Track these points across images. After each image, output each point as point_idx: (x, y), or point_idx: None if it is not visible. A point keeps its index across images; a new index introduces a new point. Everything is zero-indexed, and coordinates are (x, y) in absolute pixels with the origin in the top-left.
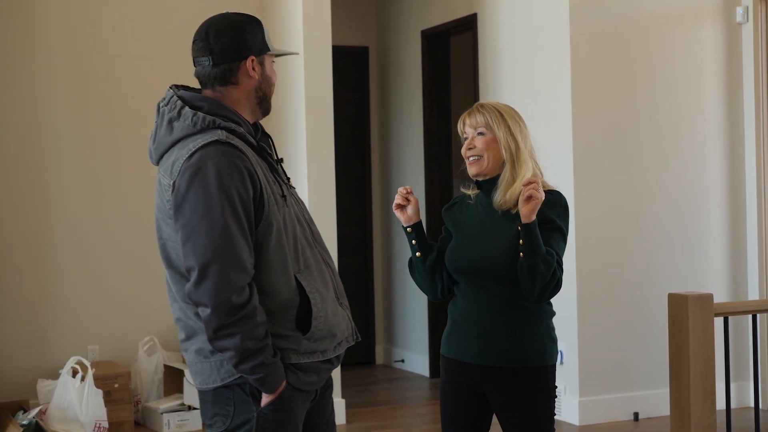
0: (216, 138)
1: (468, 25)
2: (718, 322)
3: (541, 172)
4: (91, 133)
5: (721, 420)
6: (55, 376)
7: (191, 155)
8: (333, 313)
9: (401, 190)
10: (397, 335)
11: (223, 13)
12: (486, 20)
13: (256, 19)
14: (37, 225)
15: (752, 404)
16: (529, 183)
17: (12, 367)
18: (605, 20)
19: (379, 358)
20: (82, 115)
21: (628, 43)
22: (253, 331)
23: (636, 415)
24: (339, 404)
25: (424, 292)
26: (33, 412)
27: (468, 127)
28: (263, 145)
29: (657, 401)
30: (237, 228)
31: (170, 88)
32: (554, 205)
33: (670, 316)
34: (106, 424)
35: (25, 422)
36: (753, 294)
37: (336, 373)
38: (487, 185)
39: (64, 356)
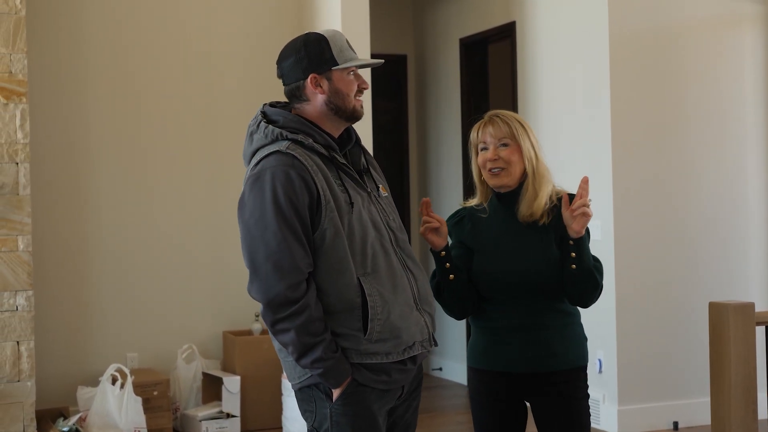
0: (277, 149)
1: (506, 33)
2: (760, 331)
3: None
4: (128, 143)
5: (763, 430)
6: (95, 383)
7: (256, 164)
8: (400, 317)
9: (425, 210)
10: None
11: (299, 35)
12: (524, 28)
13: (322, 36)
14: (77, 234)
15: None
16: (569, 198)
17: (52, 374)
18: (644, 26)
19: None
20: (118, 125)
21: (668, 49)
22: (308, 326)
23: (675, 424)
24: None
25: (452, 312)
26: (73, 419)
27: (489, 137)
28: (335, 155)
29: (697, 410)
30: (289, 231)
31: (263, 105)
32: None
33: (711, 325)
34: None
35: (65, 429)
36: None
37: None
38: (508, 197)
39: (104, 364)
